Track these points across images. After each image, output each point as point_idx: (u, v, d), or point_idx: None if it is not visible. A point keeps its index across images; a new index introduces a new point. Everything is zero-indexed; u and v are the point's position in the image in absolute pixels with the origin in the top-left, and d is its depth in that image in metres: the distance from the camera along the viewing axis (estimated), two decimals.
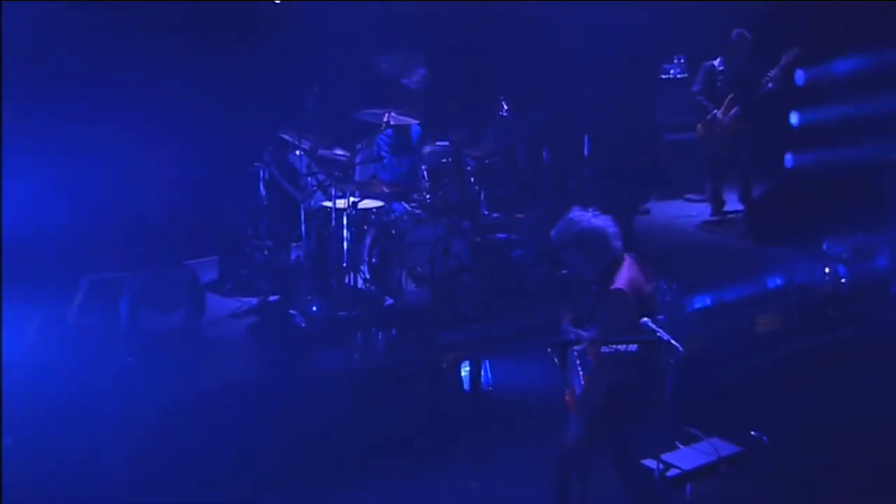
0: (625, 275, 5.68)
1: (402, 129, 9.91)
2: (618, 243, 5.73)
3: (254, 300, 9.52)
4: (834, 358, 8.88)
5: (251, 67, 10.29)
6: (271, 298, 9.46)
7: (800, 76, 13.57)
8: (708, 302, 9.66)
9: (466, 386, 8.40)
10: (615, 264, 5.69)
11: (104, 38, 9.42)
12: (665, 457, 6.14)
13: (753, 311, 9.71)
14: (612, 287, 5.64)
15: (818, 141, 13.38)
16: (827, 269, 10.17)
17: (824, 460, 7.10)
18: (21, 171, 8.42)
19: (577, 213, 5.78)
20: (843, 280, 10.10)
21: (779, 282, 10.21)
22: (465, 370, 8.40)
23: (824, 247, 10.48)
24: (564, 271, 9.49)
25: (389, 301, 9.15)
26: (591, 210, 5.83)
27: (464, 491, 6.88)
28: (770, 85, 12.03)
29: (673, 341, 5.62)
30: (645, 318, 5.65)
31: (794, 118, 13.81)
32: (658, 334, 5.57)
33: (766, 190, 12.28)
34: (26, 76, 8.86)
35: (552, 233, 5.83)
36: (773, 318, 9.71)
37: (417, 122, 9.91)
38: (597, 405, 5.67)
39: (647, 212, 12.90)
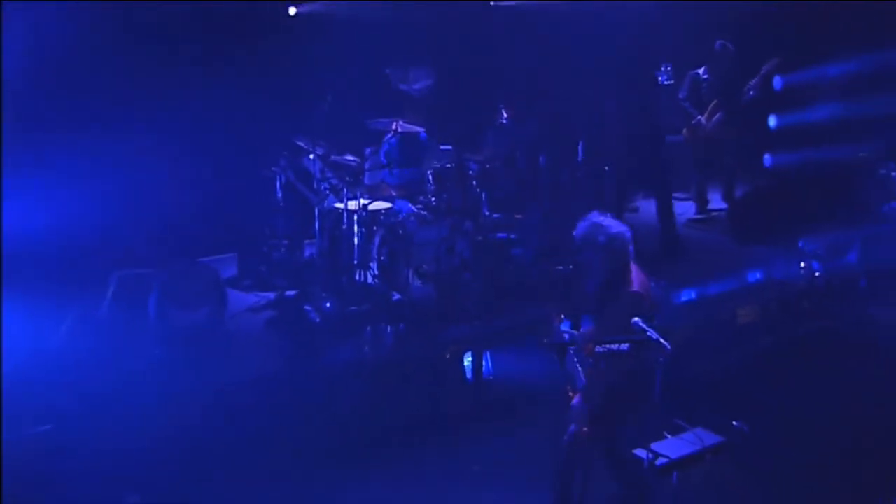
0: (637, 278, 5.76)
1: (409, 137, 9.90)
2: (632, 248, 5.78)
3: (271, 295, 9.49)
4: (808, 348, 8.94)
5: (268, 78, 10.27)
6: (288, 293, 9.43)
7: (778, 82, 13.59)
8: (693, 295, 9.66)
9: (469, 375, 8.37)
10: (627, 268, 5.75)
11: (140, 51, 9.43)
12: (654, 446, 6.24)
13: (735, 305, 9.69)
14: (631, 290, 5.69)
15: (794, 142, 13.43)
16: (802, 265, 10.19)
17: (800, 446, 7.08)
18: (57, 176, 8.42)
19: (600, 218, 5.81)
20: (816, 275, 10.13)
21: (758, 276, 10.23)
22: (467, 361, 8.35)
23: (800, 244, 10.46)
24: (560, 267, 9.56)
25: (397, 296, 9.11)
26: (609, 215, 5.89)
27: (466, 472, 6.91)
28: (751, 93, 12.06)
29: (662, 340, 5.67)
30: (636, 319, 5.71)
31: (772, 121, 13.86)
32: (648, 333, 5.63)
33: (747, 190, 12.29)
34: (59, 85, 8.88)
35: (575, 233, 5.83)
36: (752, 310, 9.67)
37: (423, 129, 9.90)
38: (600, 400, 5.68)
39: (636, 209, 12.91)
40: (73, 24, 8.52)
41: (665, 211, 10.98)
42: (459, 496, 6.60)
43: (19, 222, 7.84)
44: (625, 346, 5.53)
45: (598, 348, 5.48)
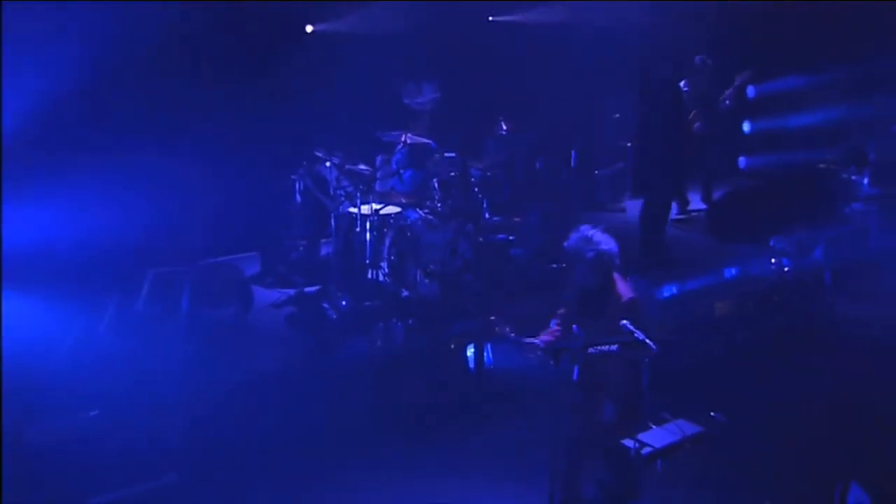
0: (627, 285, 5.74)
1: (416, 148, 9.91)
2: (618, 261, 5.71)
3: (291, 291, 9.51)
4: (777, 339, 8.91)
5: (289, 94, 10.32)
6: (307, 290, 9.45)
7: (751, 91, 13.65)
8: (674, 290, 9.71)
9: (471, 366, 8.30)
10: (612, 279, 5.70)
11: (176, 72, 9.47)
12: (641, 437, 6.28)
13: (712, 299, 9.60)
14: (626, 297, 5.65)
15: (766, 146, 13.50)
16: (773, 262, 10.13)
17: (768, 432, 7.11)
18: (97, 184, 8.45)
19: (590, 231, 5.70)
20: (786, 270, 10.09)
21: (734, 272, 10.14)
22: (469, 352, 8.28)
23: (772, 242, 10.43)
24: (554, 265, 9.60)
25: (405, 293, 9.15)
26: (599, 227, 5.77)
27: (465, 452, 6.94)
28: (727, 102, 12.10)
29: (648, 341, 5.69)
30: (624, 321, 5.73)
31: (746, 126, 13.92)
32: (636, 335, 5.67)
33: (724, 193, 12.34)
34: (96, 105, 8.90)
35: (566, 245, 5.72)
36: (729, 304, 9.58)
37: (430, 141, 9.91)
38: (611, 397, 5.69)
39: (623, 209, 12.96)
40: (119, 42, 8.55)
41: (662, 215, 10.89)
42: (460, 479, 6.58)
43: (64, 228, 7.85)
44: (614, 346, 5.59)
45: (590, 350, 5.46)
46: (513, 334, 5.71)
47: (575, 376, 5.71)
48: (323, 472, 6.63)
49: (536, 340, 5.82)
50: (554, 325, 6.05)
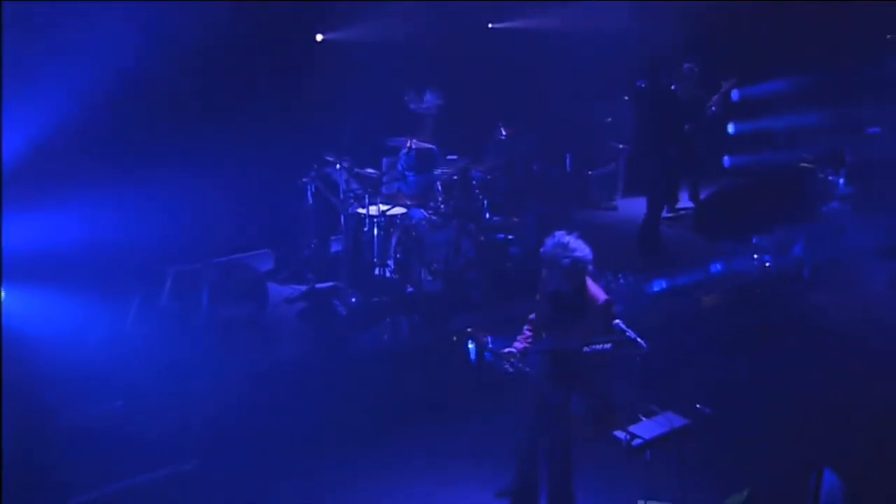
0: (599, 288, 5.66)
1: (421, 152, 9.86)
2: (591, 268, 5.58)
3: (303, 287, 9.52)
4: (760, 328, 8.94)
5: (301, 103, 10.33)
6: (318, 286, 9.45)
7: (735, 94, 13.63)
8: (664, 285, 9.73)
9: (472, 357, 8.42)
10: (585, 284, 5.60)
11: (194, 87, 9.53)
12: (631, 429, 6.34)
13: (700, 293, 9.72)
14: (601, 300, 5.58)
15: (749, 146, 13.50)
16: (756, 258, 10.24)
17: (753, 418, 7.14)
18: (126, 189, 8.48)
19: (566, 238, 5.55)
20: (768, 266, 10.18)
21: (720, 268, 10.26)
22: (471, 345, 8.32)
23: (754, 240, 10.52)
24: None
25: (410, 289, 9.15)
26: (573, 234, 5.59)
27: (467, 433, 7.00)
28: (713, 108, 12.09)
29: (639, 339, 5.70)
30: (617, 321, 5.74)
31: (731, 128, 13.90)
32: (627, 334, 5.67)
33: (710, 193, 12.34)
34: (122, 116, 8.90)
35: (542, 251, 5.58)
36: (715, 297, 9.67)
37: (433, 146, 9.89)
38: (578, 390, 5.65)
39: (615, 207, 12.98)
40: (141, 51, 8.55)
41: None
42: (464, 460, 6.64)
43: (93, 231, 7.88)
44: (608, 345, 5.59)
45: (585, 349, 5.42)
46: (490, 344, 5.64)
47: (538, 369, 5.69)
48: (333, 456, 6.67)
49: (512, 349, 5.77)
50: (526, 331, 5.98)
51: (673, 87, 11.53)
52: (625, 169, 13.09)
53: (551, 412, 5.62)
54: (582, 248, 5.51)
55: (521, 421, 5.77)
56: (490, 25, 13.17)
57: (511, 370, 5.58)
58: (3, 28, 7.15)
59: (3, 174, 7.21)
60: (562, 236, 5.55)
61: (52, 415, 6.90)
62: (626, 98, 13.23)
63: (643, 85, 10.82)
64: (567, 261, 5.43)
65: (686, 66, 11.80)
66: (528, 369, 5.53)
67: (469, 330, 5.76)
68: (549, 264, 5.54)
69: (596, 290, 5.59)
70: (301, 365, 8.05)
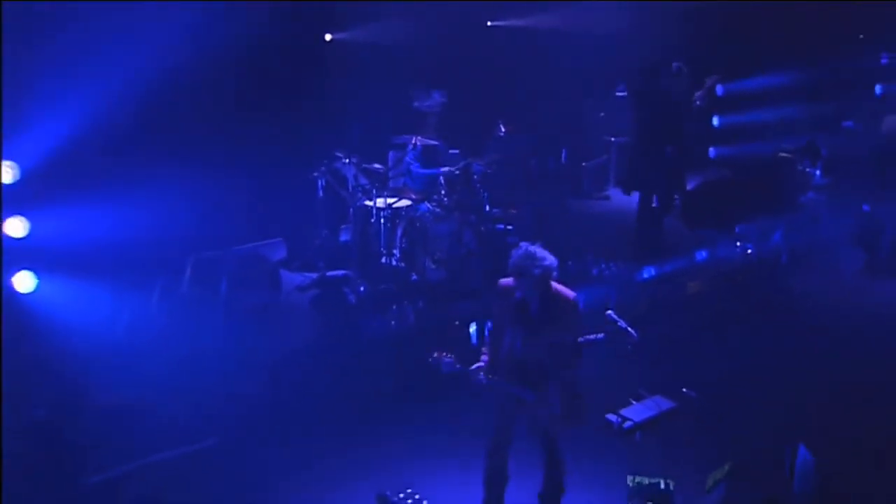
0: (566, 289, 5.51)
1: (425, 149, 9.93)
2: (556, 273, 5.43)
3: (314, 275, 9.58)
4: (742, 311, 8.98)
5: (313, 103, 10.36)
6: (328, 274, 9.51)
7: (720, 89, 13.65)
8: (652, 272, 9.77)
9: (473, 340, 8.35)
10: (550, 287, 5.43)
11: (216, 89, 9.56)
12: (622, 412, 6.43)
13: (686, 278, 9.77)
14: (573, 296, 5.46)
15: (733, 138, 13.55)
16: (738, 245, 10.30)
17: (735, 397, 7.19)
18: (150, 184, 8.46)
19: (532, 248, 5.40)
20: (749, 253, 10.22)
21: (704, 255, 10.33)
22: (472, 328, 8.33)
23: (737, 228, 10.59)
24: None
25: (415, 277, 9.20)
26: (538, 244, 5.46)
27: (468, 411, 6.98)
28: (698, 102, 12.10)
29: (629, 329, 5.73)
30: (609, 311, 5.77)
31: (715, 121, 13.94)
32: (619, 324, 5.71)
33: (695, 184, 12.37)
34: (147, 118, 8.87)
35: (510, 262, 5.40)
36: (700, 283, 9.72)
37: (437, 142, 9.95)
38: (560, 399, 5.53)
39: (608, 198, 13.03)
40: (167, 56, 8.53)
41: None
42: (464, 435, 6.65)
43: (119, 225, 7.92)
44: (601, 335, 5.62)
45: (580, 339, 5.47)
46: (457, 365, 5.49)
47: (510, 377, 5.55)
48: (343, 432, 6.73)
49: (479, 363, 5.62)
50: (488, 340, 5.81)
51: (666, 88, 11.58)
52: (616, 161, 13.13)
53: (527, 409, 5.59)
54: (549, 257, 5.40)
55: (494, 421, 5.69)
56: (489, 23, 13.17)
57: (485, 381, 5.48)
58: (12, 29, 7.03)
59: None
60: (527, 246, 5.44)
61: (83, 394, 6.98)
62: (618, 94, 13.27)
63: (639, 86, 10.76)
64: (538, 270, 5.31)
65: (675, 64, 11.80)
66: (499, 380, 5.47)
67: (435, 355, 5.54)
68: (519, 274, 5.39)
69: (564, 290, 5.50)
70: (313, 348, 8.14)
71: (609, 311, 5.72)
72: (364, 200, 9.42)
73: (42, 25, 7.53)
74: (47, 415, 6.63)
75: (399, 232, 9.28)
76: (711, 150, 14.22)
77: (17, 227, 6.90)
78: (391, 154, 10.32)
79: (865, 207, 10.43)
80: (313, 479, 6.09)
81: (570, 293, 5.51)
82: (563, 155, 11.39)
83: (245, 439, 6.62)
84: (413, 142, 9.67)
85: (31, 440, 6.37)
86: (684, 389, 6.71)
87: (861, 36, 13.57)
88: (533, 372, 5.46)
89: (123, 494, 5.98)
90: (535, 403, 5.48)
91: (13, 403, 6.50)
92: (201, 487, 6.05)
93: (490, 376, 5.50)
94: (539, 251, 5.39)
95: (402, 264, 9.26)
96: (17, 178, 6.89)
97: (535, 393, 5.46)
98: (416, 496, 5.71)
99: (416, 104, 10.16)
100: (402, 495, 5.71)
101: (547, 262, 5.35)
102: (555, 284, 5.47)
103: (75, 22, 7.91)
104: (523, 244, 5.47)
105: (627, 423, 6.40)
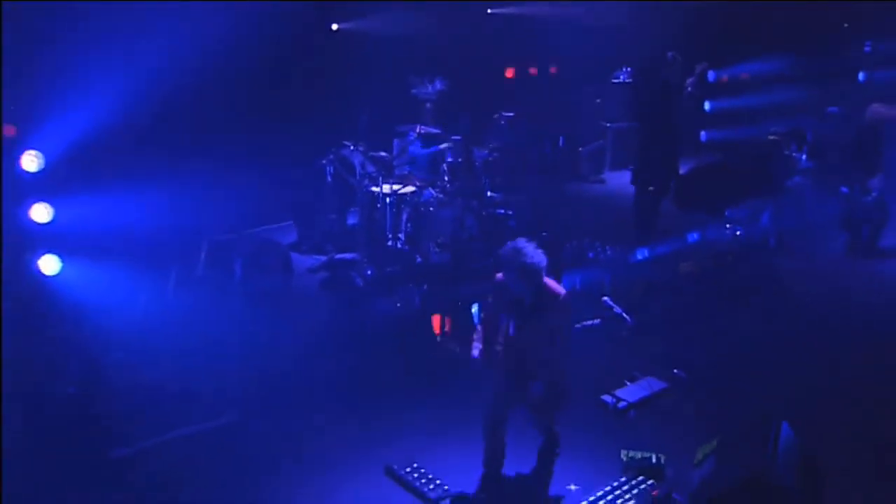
0: (557, 285, 5.52)
1: (429, 137, 9.93)
2: (544, 270, 5.37)
3: (323, 258, 9.60)
4: (732, 291, 9.04)
5: (322, 92, 10.39)
6: (337, 256, 9.52)
7: (711, 75, 13.67)
8: (645, 254, 9.83)
9: (475, 321, 8.39)
10: (542, 283, 5.42)
11: (234, 86, 9.62)
12: (617, 392, 6.50)
13: (677, 259, 9.83)
14: (563, 293, 5.46)
15: (723, 122, 13.57)
16: (728, 227, 10.31)
17: (723, 375, 7.18)
18: (168, 170, 8.51)
19: (521, 244, 5.37)
20: (738, 234, 10.22)
21: (695, 237, 10.40)
22: (474, 309, 8.19)
23: (727, 211, 10.55)
24: (545, 234, 9.64)
25: (419, 260, 9.23)
26: (532, 243, 5.42)
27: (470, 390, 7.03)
28: (689, 89, 12.13)
29: (625, 314, 5.84)
30: (605, 298, 5.87)
31: (707, 106, 13.96)
32: (615, 310, 5.80)
33: (687, 169, 12.39)
34: (165, 113, 8.93)
35: (501, 257, 5.42)
36: (691, 264, 9.76)
37: (440, 130, 9.95)
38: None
39: (603, 181, 13.06)
40: (184, 53, 8.55)
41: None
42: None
43: (138, 209, 7.97)
44: (597, 321, 5.72)
45: (576, 325, 5.62)
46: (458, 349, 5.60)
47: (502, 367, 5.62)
48: (353, 408, 6.75)
49: (474, 354, 5.67)
50: (479, 330, 5.82)
51: (664, 77, 11.57)
52: (611, 145, 13.16)
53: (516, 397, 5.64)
54: (536, 255, 5.35)
55: (489, 402, 5.73)
56: (489, 11, 13.13)
57: (481, 366, 5.55)
58: (12, 28, 7.00)
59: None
60: (519, 242, 5.41)
61: (106, 372, 7.02)
62: (614, 81, 13.27)
63: (639, 76, 10.74)
64: (520, 266, 5.28)
65: (669, 54, 11.79)
66: (491, 370, 5.53)
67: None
68: (508, 268, 5.38)
69: (554, 287, 5.49)
70: (324, 328, 8.17)
71: (605, 298, 5.80)
72: (371, 187, 9.43)
73: (67, 20, 7.54)
74: (77, 391, 6.68)
75: (404, 217, 9.30)
76: (703, 133, 14.25)
77: (42, 212, 6.98)
78: (396, 142, 10.32)
79: (844, 189, 10.44)
80: (326, 453, 6.12)
81: (560, 290, 5.48)
82: (560, 140, 11.37)
83: (260, 414, 6.63)
84: (417, 129, 9.66)
85: (63, 415, 6.42)
86: (675, 371, 6.77)
87: (846, 25, 13.57)
88: (524, 361, 5.49)
89: (143, 469, 6.03)
90: (524, 389, 5.51)
91: (47, 380, 6.60)
92: (216, 463, 6.07)
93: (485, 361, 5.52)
94: (527, 248, 5.33)
95: (408, 248, 9.29)
96: (42, 167, 6.96)
97: (524, 380, 5.50)
98: (422, 470, 5.78)
99: (416, 92, 10.12)
100: (408, 469, 5.78)
101: (530, 260, 5.28)
102: (547, 281, 5.44)
103: (98, 17, 7.93)
104: (520, 240, 5.42)
105: (622, 403, 6.47)
